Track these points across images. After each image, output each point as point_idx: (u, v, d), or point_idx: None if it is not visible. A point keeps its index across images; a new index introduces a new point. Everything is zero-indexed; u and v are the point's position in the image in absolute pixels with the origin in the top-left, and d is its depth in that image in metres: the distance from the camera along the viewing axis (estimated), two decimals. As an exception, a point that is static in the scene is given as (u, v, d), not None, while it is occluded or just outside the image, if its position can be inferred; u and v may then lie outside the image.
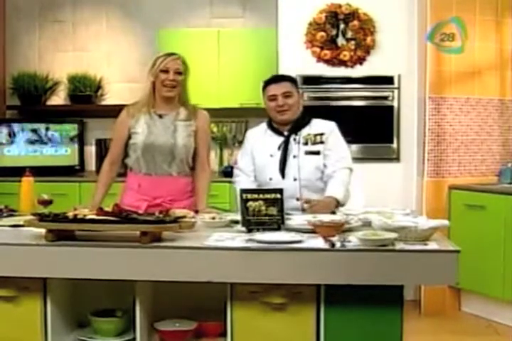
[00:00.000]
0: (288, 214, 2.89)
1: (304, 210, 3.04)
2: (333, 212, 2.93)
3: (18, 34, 5.66)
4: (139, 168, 3.13)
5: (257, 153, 3.26)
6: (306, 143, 3.18)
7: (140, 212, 2.53)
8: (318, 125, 3.24)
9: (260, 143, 3.28)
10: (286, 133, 3.21)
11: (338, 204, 3.01)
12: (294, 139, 3.20)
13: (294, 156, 3.17)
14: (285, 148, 3.18)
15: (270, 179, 3.19)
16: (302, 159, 3.17)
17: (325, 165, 3.18)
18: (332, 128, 3.25)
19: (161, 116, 3.13)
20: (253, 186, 3.21)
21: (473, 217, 4.34)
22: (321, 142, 3.18)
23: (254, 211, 2.50)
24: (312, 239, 2.34)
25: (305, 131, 3.21)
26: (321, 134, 3.20)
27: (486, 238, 4.26)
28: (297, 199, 3.13)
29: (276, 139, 3.23)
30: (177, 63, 3.11)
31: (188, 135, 3.14)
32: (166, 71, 3.08)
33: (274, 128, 3.26)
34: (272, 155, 3.20)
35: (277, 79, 3.26)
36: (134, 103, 3.21)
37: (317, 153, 3.17)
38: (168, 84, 3.08)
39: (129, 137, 3.14)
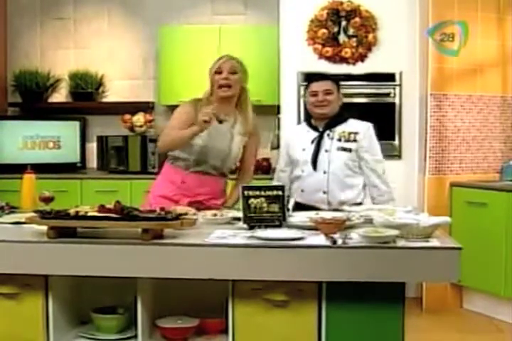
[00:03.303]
0: (314, 206, 3.17)
1: (329, 203, 3.21)
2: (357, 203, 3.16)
3: (19, 31, 5.66)
4: (187, 166, 3.15)
5: (292, 147, 3.40)
6: (339, 140, 3.29)
7: (180, 206, 2.68)
8: (354, 124, 3.35)
9: (296, 138, 3.42)
10: (321, 128, 3.33)
11: None
12: (328, 135, 3.31)
13: (326, 150, 3.28)
14: (318, 142, 3.29)
15: (302, 171, 3.31)
16: (333, 154, 3.27)
17: (360, 167, 3.30)
18: (367, 128, 3.34)
19: (220, 122, 3.11)
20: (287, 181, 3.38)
21: (474, 214, 4.34)
22: (355, 140, 3.28)
23: (256, 208, 2.50)
24: (314, 236, 2.34)
25: (340, 128, 3.32)
26: (356, 133, 3.29)
27: (487, 235, 4.26)
28: (324, 193, 3.24)
29: (311, 134, 3.35)
30: (230, 63, 3.12)
31: (240, 146, 3.21)
32: (219, 72, 3.09)
33: (311, 124, 3.39)
34: (304, 149, 3.32)
35: (320, 78, 3.42)
36: (196, 99, 3.18)
37: (349, 150, 3.27)
38: (223, 84, 3.08)
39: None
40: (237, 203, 3.23)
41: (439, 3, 4.46)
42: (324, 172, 3.26)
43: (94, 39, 5.68)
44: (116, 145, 5.22)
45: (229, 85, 3.09)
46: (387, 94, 4.72)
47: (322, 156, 3.27)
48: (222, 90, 3.10)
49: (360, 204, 3.20)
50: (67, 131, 5.39)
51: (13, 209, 2.93)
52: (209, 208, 3.00)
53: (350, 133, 3.29)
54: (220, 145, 3.13)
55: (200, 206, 2.98)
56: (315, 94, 3.32)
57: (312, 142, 3.31)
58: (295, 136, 3.46)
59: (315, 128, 3.36)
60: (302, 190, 3.32)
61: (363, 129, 3.32)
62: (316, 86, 3.33)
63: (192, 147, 3.10)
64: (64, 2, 5.66)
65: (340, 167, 3.26)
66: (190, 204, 3.00)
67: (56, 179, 4.91)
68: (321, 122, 3.35)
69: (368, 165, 3.29)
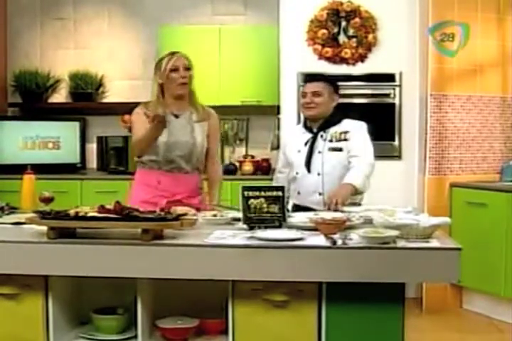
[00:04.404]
0: (310, 208, 3.17)
1: (325, 205, 3.12)
2: (356, 204, 3.12)
3: (19, 31, 5.66)
4: (159, 166, 3.15)
5: (288, 149, 3.44)
6: (331, 141, 3.30)
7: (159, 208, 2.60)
8: (347, 124, 3.35)
9: (292, 140, 3.45)
10: (315, 130, 3.34)
11: (356, 191, 3.09)
12: (322, 136, 3.32)
13: (319, 152, 3.29)
14: (312, 144, 3.31)
15: (297, 173, 3.34)
16: (326, 155, 3.28)
17: (349, 162, 3.27)
18: (359, 126, 3.34)
19: (176, 116, 3.16)
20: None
21: (474, 215, 4.34)
22: (345, 139, 3.29)
23: (256, 208, 2.50)
24: (314, 236, 2.33)
25: (333, 129, 3.32)
26: (346, 132, 3.30)
27: (487, 235, 4.26)
28: (319, 194, 3.26)
29: (306, 135, 3.37)
30: (183, 60, 3.14)
31: (203, 134, 3.21)
32: (175, 69, 3.10)
33: (307, 125, 3.41)
34: (299, 151, 3.34)
35: (313, 78, 3.45)
36: (146, 102, 3.23)
37: (339, 149, 3.28)
38: (182, 81, 3.11)
39: None
40: (220, 197, 3.30)
41: (439, 3, 4.46)
42: (318, 174, 3.27)
43: (94, 39, 5.68)
44: (116, 145, 5.22)
45: (186, 82, 3.13)
46: (387, 95, 4.72)
47: (315, 158, 3.29)
48: (180, 87, 3.12)
49: (359, 204, 3.19)
50: (67, 131, 5.39)
51: (13, 209, 2.93)
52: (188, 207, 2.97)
53: (341, 133, 3.30)
54: (182, 138, 3.14)
55: (179, 205, 2.95)
56: (304, 95, 3.35)
57: (306, 144, 3.33)
58: (292, 138, 3.48)
59: (310, 130, 3.37)
60: (298, 192, 3.34)
61: (354, 128, 3.32)
62: (307, 87, 3.37)
63: (156, 146, 3.10)
64: (64, 2, 5.66)
65: (335, 167, 3.25)
66: (168, 203, 2.97)
67: (56, 179, 4.91)
68: (315, 123, 3.36)
69: (352, 153, 3.24)
